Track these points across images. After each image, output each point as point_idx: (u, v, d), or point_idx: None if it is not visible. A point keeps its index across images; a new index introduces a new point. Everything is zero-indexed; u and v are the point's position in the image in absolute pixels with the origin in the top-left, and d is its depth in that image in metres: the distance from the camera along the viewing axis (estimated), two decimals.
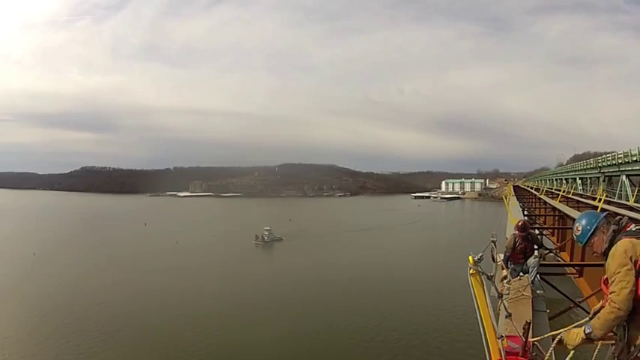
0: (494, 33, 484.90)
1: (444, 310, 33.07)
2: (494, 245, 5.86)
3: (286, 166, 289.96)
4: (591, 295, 8.18)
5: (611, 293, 3.20)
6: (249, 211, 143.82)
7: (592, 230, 3.59)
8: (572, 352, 3.66)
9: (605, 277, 3.45)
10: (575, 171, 43.91)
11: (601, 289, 3.59)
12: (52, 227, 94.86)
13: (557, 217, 22.67)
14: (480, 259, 3.66)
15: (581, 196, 31.32)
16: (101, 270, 50.89)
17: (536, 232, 15.80)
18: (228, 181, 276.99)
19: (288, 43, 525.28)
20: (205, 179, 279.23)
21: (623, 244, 3.27)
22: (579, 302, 8.08)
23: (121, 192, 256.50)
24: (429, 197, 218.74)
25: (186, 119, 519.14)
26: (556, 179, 58.38)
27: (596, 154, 63.59)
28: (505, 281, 7.84)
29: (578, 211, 18.19)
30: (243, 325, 31.37)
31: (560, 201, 27.31)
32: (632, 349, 3.24)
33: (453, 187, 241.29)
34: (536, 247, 8.87)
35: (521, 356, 4.25)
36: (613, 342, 3.49)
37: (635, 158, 24.11)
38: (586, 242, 3.65)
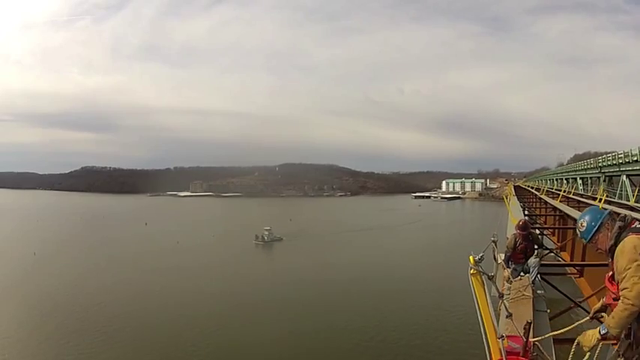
0: (495, 33, 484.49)
1: (444, 310, 33.09)
2: (495, 245, 5.85)
3: (286, 166, 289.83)
4: (592, 295, 8.17)
5: (623, 290, 3.13)
6: (249, 211, 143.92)
7: (597, 226, 3.49)
8: (572, 351, 3.63)
9: (609, 274, 3.40)
10: (575, 171, 43.84)
11: (602, 288, 3.56)
12: (52, 227, 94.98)
13: (557, 217, 22.65)
14: (481, 259, 3.65)
15: (581, 196, 31.25)
16: (101, 270, 50.94)
17: (537, 231, 15.78)
18: (228, 181, 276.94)
19: (288, 43, 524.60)
20: (206, 179, 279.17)
21: (632, 240, 3.23)
22: (580, 302, 8.05)
23: (121, 192, 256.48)
24: (429, 197, 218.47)
25: (186, 119, 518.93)
26: (556, 179, 58.31)
27: (596, 154, 63.57)
28: (506, 281, 7.83)
29: (579, 210, 18.14)
30: (243, 325, 31.39)
31: (560, 201, 27.23)
32: (638, 346, 3.20)
33: (453, 186, 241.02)
34: (536, 247, 8.85)
35: (522, 356, 4.24)
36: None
37: (635, 158, 24.04)
38: (590, 239, 3.55)
